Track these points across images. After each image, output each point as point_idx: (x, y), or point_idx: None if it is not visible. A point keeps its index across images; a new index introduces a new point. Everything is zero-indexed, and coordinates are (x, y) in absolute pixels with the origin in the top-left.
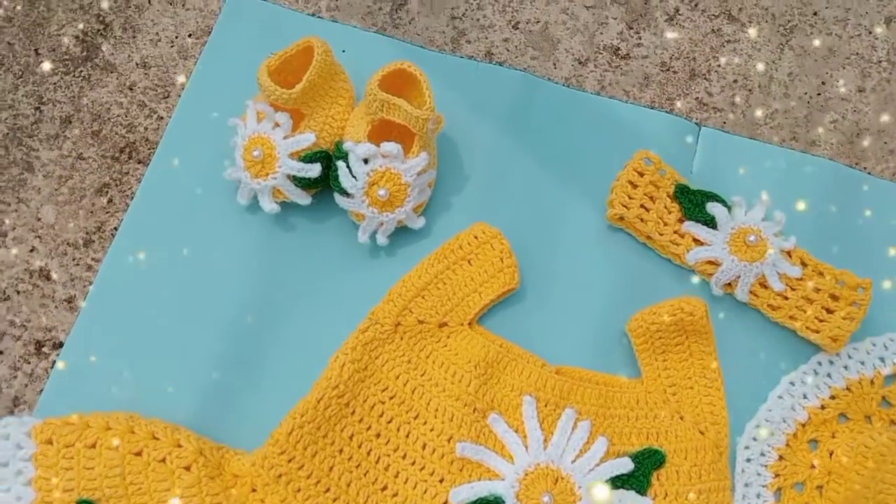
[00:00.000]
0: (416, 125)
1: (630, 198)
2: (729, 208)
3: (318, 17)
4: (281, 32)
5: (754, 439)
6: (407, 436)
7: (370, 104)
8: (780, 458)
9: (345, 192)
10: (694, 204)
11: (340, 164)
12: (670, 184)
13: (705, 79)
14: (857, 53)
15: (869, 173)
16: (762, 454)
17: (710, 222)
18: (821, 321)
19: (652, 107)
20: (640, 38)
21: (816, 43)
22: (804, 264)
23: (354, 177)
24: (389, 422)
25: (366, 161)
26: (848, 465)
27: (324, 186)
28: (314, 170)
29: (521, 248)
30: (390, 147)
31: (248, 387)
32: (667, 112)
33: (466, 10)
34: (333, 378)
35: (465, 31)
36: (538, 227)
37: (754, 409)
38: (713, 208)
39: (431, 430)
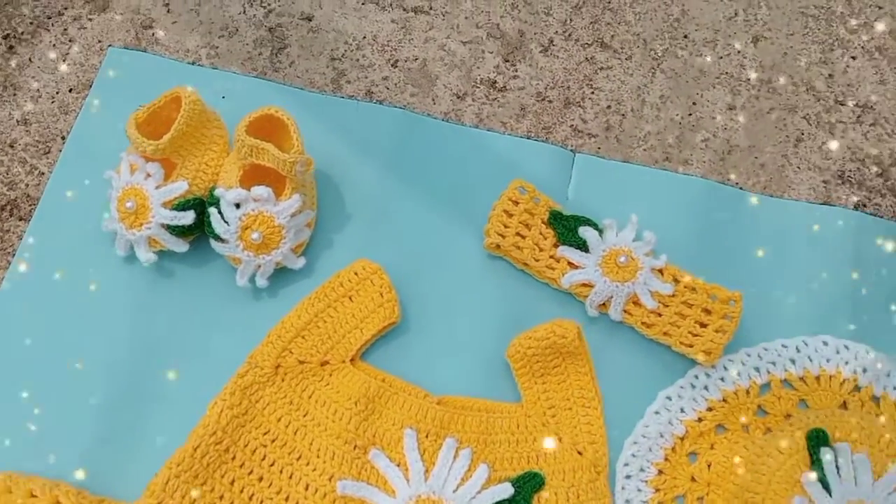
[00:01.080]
0: (283, 168)
1: (506, 226)
2: (600, 231)
3: (199, 65)
4: (161, 83)
5: (633, 455)
6: (290, 477)
7: (239, 150)
8: (660, 472)
9: (218, 238)
10: (567, 229)
11: (212, 210)
12: (544, 210)
13: (580, 106)
14: (727, 73)
15: (740, 188)
16: (641, 470)
17: (583, 246)
18: (694, 336)
19: (529, 137)
20: (516, 71)
21: (687, 65)
22: (676, 281)
23: (226, 222)
24: (272, 465)
25: (237, 206)
26: (724, 474)
27: (202, 233)
28: (187, 217)
29: (404, 282)
30: (260, 191)
31: (130, 436)
32: (543, 141)
33: (346, 51)
34: (211, 425)
35: (344, 72)
36: (421, 260)
37: (633, 425)
38: (585, 232)
39: (314, 469)
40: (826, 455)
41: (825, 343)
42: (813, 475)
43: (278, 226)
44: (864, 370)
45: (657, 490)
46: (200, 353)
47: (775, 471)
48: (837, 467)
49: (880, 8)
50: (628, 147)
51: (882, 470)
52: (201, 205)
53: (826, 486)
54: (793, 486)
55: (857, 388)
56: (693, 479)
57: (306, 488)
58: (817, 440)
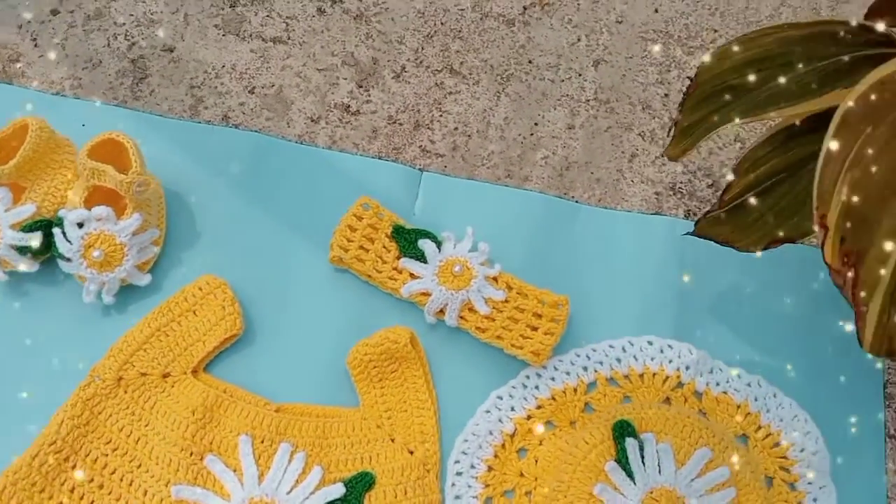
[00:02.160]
0: (122, 188)
1: (349, 240)
2: (439, 244)
3: (62, 95)
4: (24, 113)
5: (463, 453)
6: (130, 484)
7: (81, 172)
8: (490, 468)
9: (63, 257)
10: (408, 242)
11: (56, 230)
12: (388, 225)
13: (428, 128)
14: (567, 95)
15: (576, 201)
16: (472, 466)
17: (422, 258)
18: (525, 338)
19: (379, 157)
20: (369, 95)
21: (530, 88)
22: (509, 288)
23: (69, 241)
24: (112, 473)
25: (80, 225)
26: (549, 468)
27: (52, 253)
28: (34, 238)
29: (252, 297)
30: (100, 211)
31: None
32: (393, 161)
33: (205, 79)
34: (51, 435)
35: (202, 99)
36: (270, 275)
37: (466, 424)
38: (424, 245)
39: (152, 476)
40: (630, 444)
41: (650, 343)
42: (616, 463)
43: (120, 244)
44: (687, 367)
45: (486, 485)
46: (51, 370)
47: (580, 460)
48: (643, 457)
49: (716, 31)
50: (473, 166)
51: (685, 458)
52: (49, 226)
53: (630, 473)
54: (597, 474)
55: (680, 385)
56: (522, 475)
57: (144, 494)
58: (622, 431)
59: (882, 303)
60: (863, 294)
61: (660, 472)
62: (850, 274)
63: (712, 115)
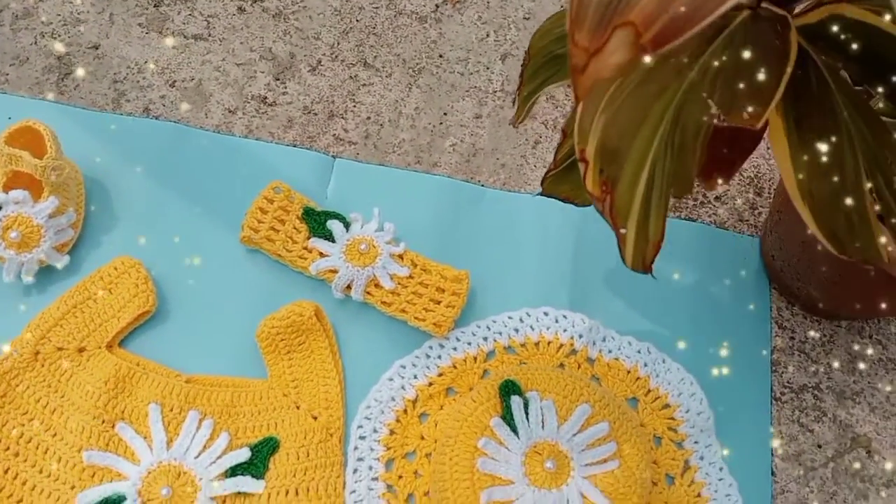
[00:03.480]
0: (37, 173)
1: (259, 221)
2: (348, 224)
3: None
4: None
5: (366, 418)
6: (45, 452)
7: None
8: (392, 432)
9: None
10: (317, 223)
11: None
12: (299, 207)
13: (342, 118)
14: (476, 86)
15: (483, 185)
16: (374, 431)
17: (330, 237)
18: (427, 311)
19: (294, 145)
20: (285, 88)
21: (441, 80)
22: (414, 265)
23: None
24: (28, 441)
25: None
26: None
27: None
28: None
29: (167, 277)
30: (16, 194)
31: None
32: (307, 148)
33: (128, 74)
34: None
35: (125, 93)
36: (185, 256)
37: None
38: (332, 225)
39: (66, 444)
40: (515, 402)
41: (546, 313)
42: (501, 419)
43: (37, 226)
44: (580, 336)
45: (388, 448)
46: None
47: (467, 416)
48: (527, 413)
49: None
50: (384, 153)
51: (567, 414)
52: None
53: (514, 428)
54: (483, 429)
55: (574, 352)
56: (423, 437)
57: (59, 461)
58: (508, 389)
59: (637, 224)
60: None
61: (543, 427)
62: (608, 200)
63: (544, 83)
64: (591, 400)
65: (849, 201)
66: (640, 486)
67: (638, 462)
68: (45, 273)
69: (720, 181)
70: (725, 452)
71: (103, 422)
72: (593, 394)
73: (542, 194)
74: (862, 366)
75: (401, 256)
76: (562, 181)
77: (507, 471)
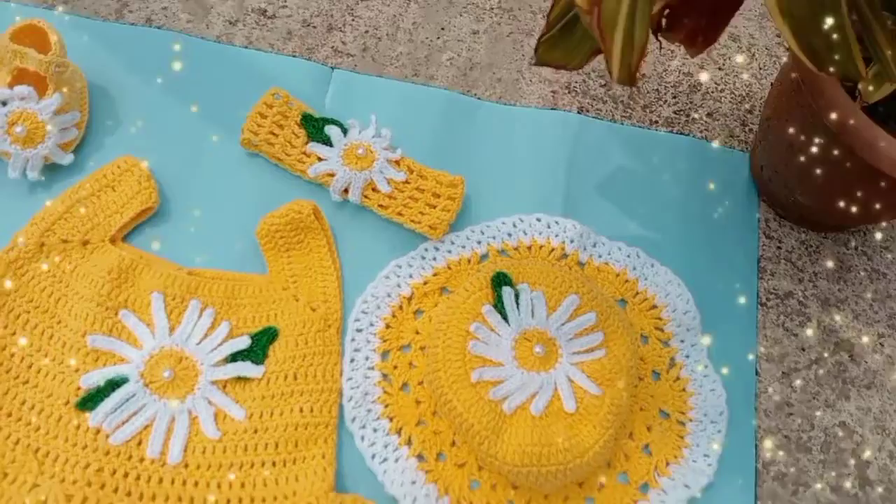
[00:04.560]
0: (42, 68)
1: (259, 125)
2: (345, 130)
3: None
4: None
5: (363, 312)
6: (50, 338)
7: (3, 56)
8: (387, 326)
9: None
10: (316, 128)
11: None
12: (297, 114)
13: (341, 31)
14: (473, 3)
15: (479, 98)
16: (371, 324)
17: (328, 142)
18: (423, 214)
19: (294, 56)
20: (285, 1)
21: None
22: (410, 171)
23: None
24: (34, 328)
25: (4, 104)
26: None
27: None
28: None
29: (169, 178)
30: (21, 89)
31: None
32: (306, 59)
33: None
34: None
35: (128, 3)
36: (186, 159)
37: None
38: (330, 130)
39: (70, 330)
40: (506, 292)
41: (538, 219)
42: (492, 307)
43: (41, 122)
44: (572, 241)
45: (384, 340)
46: None
47: (460, 304)
48: (518, 304)
49: None
50: (381, 65)
51: (557, 305)
52: None
53: (505, 316)
54: (475, 315)
55: (565, 255)
56: (417, 332)
57: (63, 345)
58: (500, 280)
59: (623, 34)
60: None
61: (532, 316)
62: (596, 12)
63: None
64: (579, 291)
65: (829, 20)
66: (626, 374)
67: (624, 351)
68: (50, 170)
69: (703, 45)
70: (710, 351)
71: (107, 309)
72: (582, 286)
73: (535, 64)
74: (847, 275)
75: (397, 162)
76: (554, 47)
77: (497, 354)
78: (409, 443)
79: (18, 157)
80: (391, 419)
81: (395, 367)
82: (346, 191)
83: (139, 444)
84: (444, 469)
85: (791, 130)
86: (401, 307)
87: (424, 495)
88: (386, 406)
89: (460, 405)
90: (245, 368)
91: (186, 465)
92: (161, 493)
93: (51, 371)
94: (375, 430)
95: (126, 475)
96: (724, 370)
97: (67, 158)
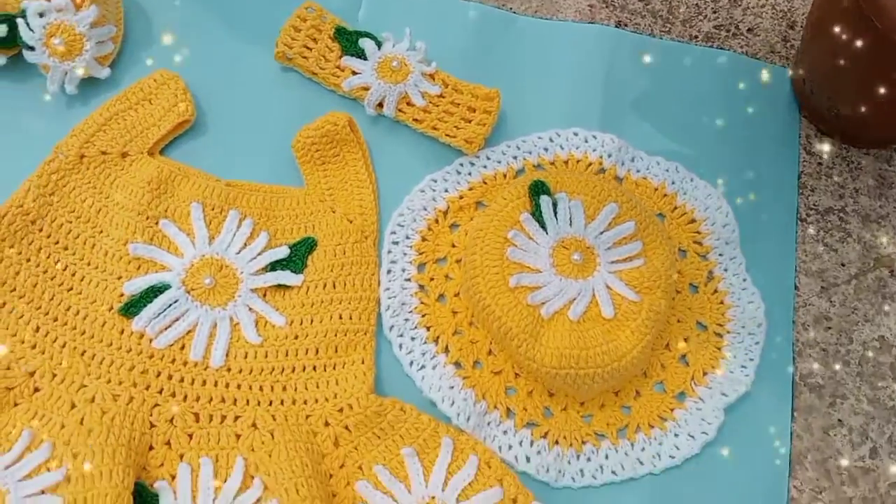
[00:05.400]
0: None
1: (293, 39)
2: (379, 44)
3: None
4: None
5: (399, 225)
6: (93, 247)
7: None
8: (423, 239)
9: (27, 46)
10: (349, 42)
11: (20, 20)
12: (331, 27)
13: None
14: None
15: (513, 12)
16: (407, 237)
17: (362, 55)
18: (459, 128)
19: None
20: None
21: None
22: (445, 84)
23: (32, 30)
24: (76, 237)
25: (41, 15)
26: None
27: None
28: (0, 31)
29: (205, 92)
30: (58, 1)
31: None
32: None
33: None
34: (18, 199)
35: None
36: (221, 74)
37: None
38: (363, 43)
39: (111, 239)
40: (544, 200)
41: (575, 133)
42: (530, 215)
43: (79, 34)
44: (609, 155)
45: (420, 253)
46: (18, 152)
47: (498, 211)
48: (556, 212)
49: None
50: None
51: (595, 214)
52: (14, 18)
53: (543, 224)
54: (513, 223)
55: (602, 170)
56: (453, 245)
57: (105, 254)
58: (538, 189)
59: None
60: None
61: (571, 224)
62: None
63: None
64: (618, 200)
65: None
66: (665, 282)
67: (663, 260)
68: (87, 85)
69: None
70: (749, 264)
71: (147, 218)
72: (621, 195)
73: None
74: (888, 191)
75: (432, 76)
76: None
77: (535, 260)
78: (446, 351)
79: (57, 70)
80: (428, 328)
81: (432, 279)
82: (380, 105)
83: (182, 348)
84: (481, 376)
85: (837, 32)
86: (436, 221)
87: (462, 399)
88: (423, 316)
89: (499, 309)
90: (284, 277)
91: (229, 369)
92: (205, 395)
93: (94, 278)
94: (413, 339)
95: (170, 377)
96: (763, 284)
97: (105, 72)
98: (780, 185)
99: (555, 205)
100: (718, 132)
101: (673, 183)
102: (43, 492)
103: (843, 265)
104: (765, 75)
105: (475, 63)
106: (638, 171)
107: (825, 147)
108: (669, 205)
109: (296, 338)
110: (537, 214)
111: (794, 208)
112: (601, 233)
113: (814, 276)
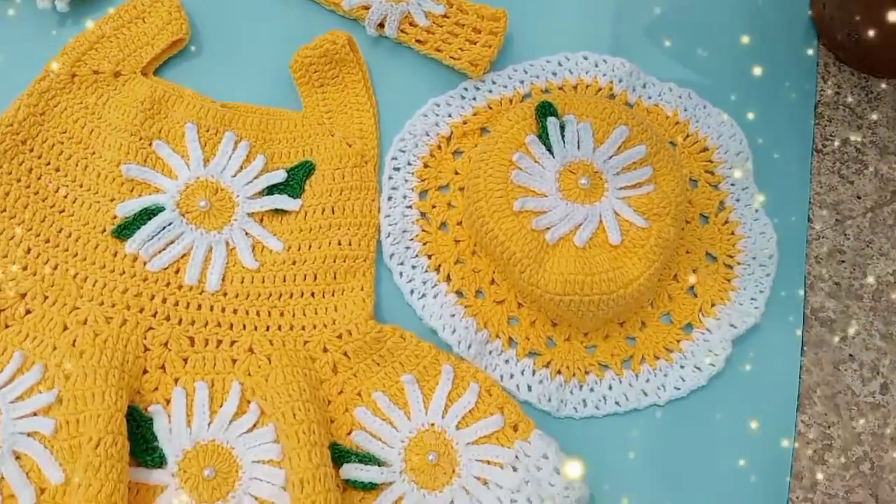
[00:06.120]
0: None
1: None
2: None
3: None
4: None
5: (401, 151)
6: (85, 168)
7: None
8: (425, 165)
9: None
10: None
11: None
12: None
13: None
14: None
15: None
16: (409, 163)
17: None
18: (463, 50)
19: None
20: None
21: None
22: (450, 4)
23: None
24: (68, 158)
25: None
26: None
27: None
28: None
29: (200, 13)
30: None
31: None
32: None
33: None
34: (8, 118)
35: None
36: None
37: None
38: None
39: (104, 160)
40: (551, 122)
41: (585, 57)
42: (536, 138)
43: None
44: (620, 80)
45: (422, 180)
46: (10, 70)
47: (503, 133)
48: (563, 135)
49: None
50: None
51: (604, 138)
52: None
53: (549, 147)
54: (518, 145)
55: (612, 95)
56: (456, 172)
57: (98, 176)
58: (545, 111)
59: None
60: None
61: (578, 147)
62: None
63: None
64: (629, 123)
65: None
66: (674, 209)
67: (674, 187)
68: (79, 3)
69: None
70: (762, 199)
71: (140, 139)
72: (632, 118)
73: None
74: None
75: None
76: None
77: (540, 184)
78: (447, 279)
79: None
80: (430, 257)
81: (434, 207)
82: (381, 25)
83: (177, 272)
84: (483, 305)
85: None
86: (439, 147)
87: (464, 327)
88: (424, 244)
89: (502, 234)
90: (282, 201)
91: (225, 294)
92: (200, 319)
93: (87, 200)
94: (414, 267)
95: (164, 300)
96: (776, 215)
97: None
98: (796, 113)
99: (562, 127)
100: (734, 59)
101: (685, 110)
102: (35, 413)
103: (858, 198)
104: (782, 1)
105: None
106: (649, 98)
107: (843, 76)
108: (682, 132)
109: (293, 263)
110: (544, 137)
111: (810, 139)
112: (610, 157)
113: (828, 209)
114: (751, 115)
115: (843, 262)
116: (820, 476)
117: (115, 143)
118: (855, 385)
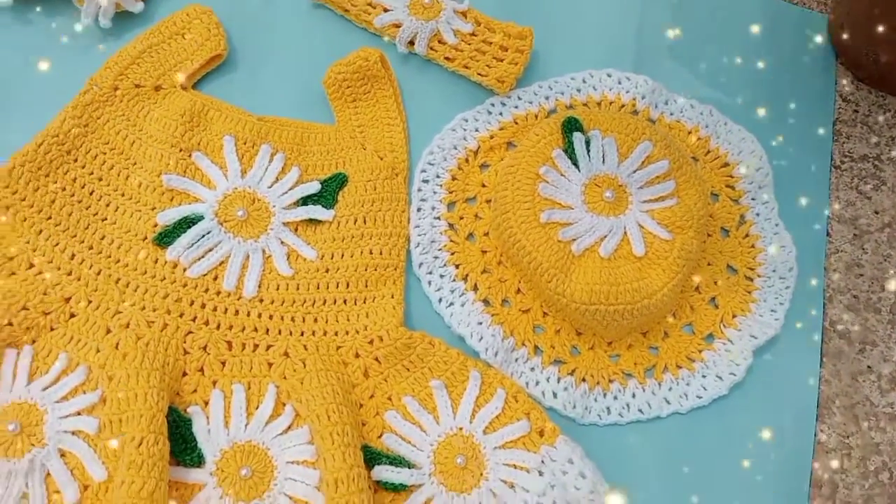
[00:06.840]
0: None
1: None
2: None
3: None
4: None
5: (429, 164)
6: (126, 178)
7: None
8: (453, 178)
9: None
10: None
11: None
12: None
13: None
14: None
15: None
16: (437, 176)
17: None
18: (490, 67)
19: None
20: None
21: None
22: (478, 23)
23: None
24: (111, 168)
25: None
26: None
27: None
28: None
29: (236, 29)
30: None
31: None
32: None
33: None
34: (54, 129)
35: None
36: (253, 11)
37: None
38: None
39: (145, 170)
40: (577, 137)
41: (609, 75)
42: (563, 152)
43: None
44: (643, 97)
45: (450, 192)
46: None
47: (530, 147)
48: (588, 150)
49: None
50: None
51: (629, 153)
52: None
53: (575, 161)
54: (545, 159)
55: (636, 112)
56: (483, 185)
57: (139, 185)
58: (571, 126)
59: None
60: None
61: (603, 162)
62: None
63: None
64: (652, 138)
65: None
66: (697, 222)
67: (696, 201)
68: (120, 19)
69: None
70: (781, 209)
71: (180, 150)
72: (655, 133)
73: None
74: None
75: (464, 13)
76: None
77: (566, 197)
78: (475, 288)
79: (91, 4)
80: (457, 266)
81: (461, 218)
82: (411, 42)
83: (215, 278)
84: (510, 314)
85: None
86: (467, 160)
87: (491, 335)
88: (452, 254)
89: (529, 244)
90: (315, 211)
91: (261, 300)
92: (237, 324)
93: (128, 209)
94: (442, 276)
95: (203, 306)
96: (795, 230)
97: (138, 6)
98: (815, 131)
99: (588, 142)
100: (754, 77)
101: (707, 126)
102: (79, 413)
103: (876, 213)
104: (802, 20)
105: (508, 1)
106: (671, 114)
107: (861, 94)
108: (703, 148)
109: (326, 271)
110: (570, 151)
111: (829, 155)
112: (634, 171)
113: (847, 223)
114: (771, 132)
115: (861, 275)
116: (839, 485)
117: (155, 154)
118: (873, 396)
